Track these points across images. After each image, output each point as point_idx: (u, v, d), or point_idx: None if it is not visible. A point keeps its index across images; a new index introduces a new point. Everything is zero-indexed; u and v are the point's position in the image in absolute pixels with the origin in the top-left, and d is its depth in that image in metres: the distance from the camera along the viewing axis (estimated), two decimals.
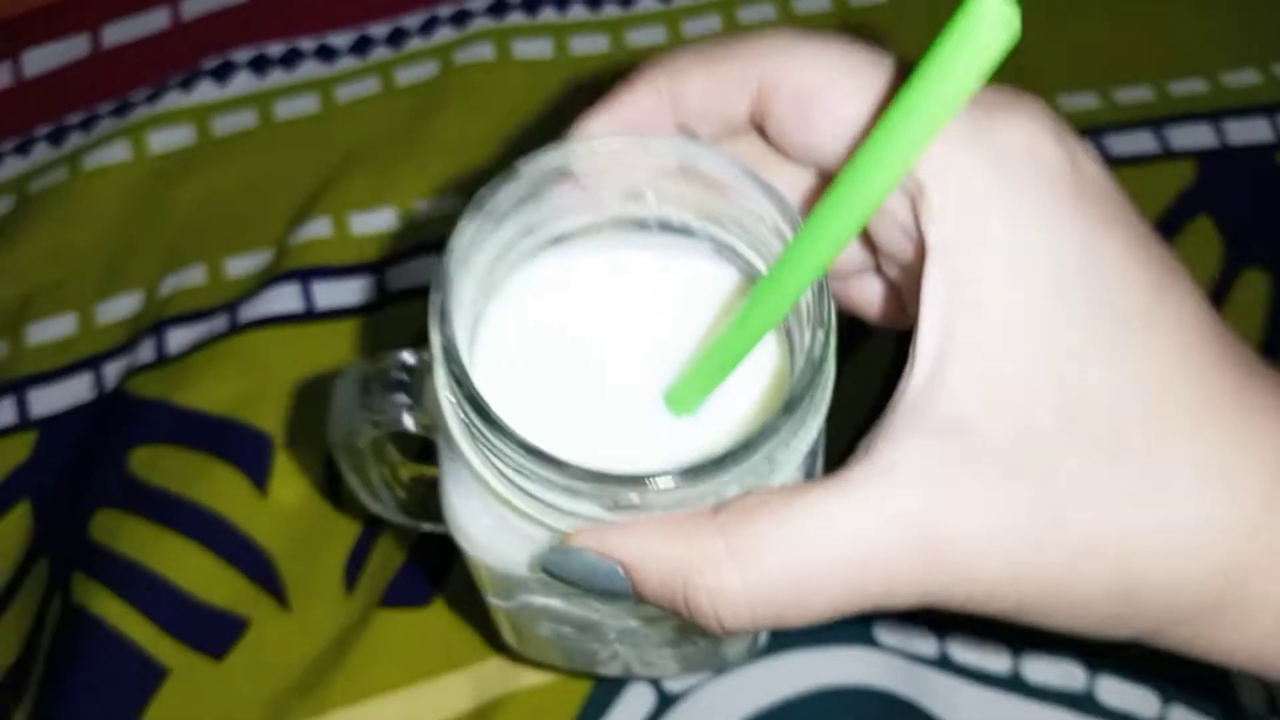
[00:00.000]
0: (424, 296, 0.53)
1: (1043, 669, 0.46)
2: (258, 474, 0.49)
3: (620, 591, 0.25)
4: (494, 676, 0.46)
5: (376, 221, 0.56)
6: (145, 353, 0.52)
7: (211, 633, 0.46)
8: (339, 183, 0.56)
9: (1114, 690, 0.46)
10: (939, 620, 0.47)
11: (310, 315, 0.53)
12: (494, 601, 0.34)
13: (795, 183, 0.28)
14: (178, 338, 0.53)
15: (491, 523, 0.27)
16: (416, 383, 0.28)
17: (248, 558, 0.48)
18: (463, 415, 0.24)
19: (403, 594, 0.47)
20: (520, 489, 0.24)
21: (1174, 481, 0.24)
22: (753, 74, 0.26)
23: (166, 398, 0.51)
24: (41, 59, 0.61)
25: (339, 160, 0.57)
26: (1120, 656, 0.46)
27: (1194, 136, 0.59)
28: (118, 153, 0.58)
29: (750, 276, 0.29)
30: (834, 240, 0.23)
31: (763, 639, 0.45)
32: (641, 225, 0.29)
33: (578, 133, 0.27)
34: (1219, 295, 0.54)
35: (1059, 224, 0.24)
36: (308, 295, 0.53)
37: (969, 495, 0.23)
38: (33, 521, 0.49)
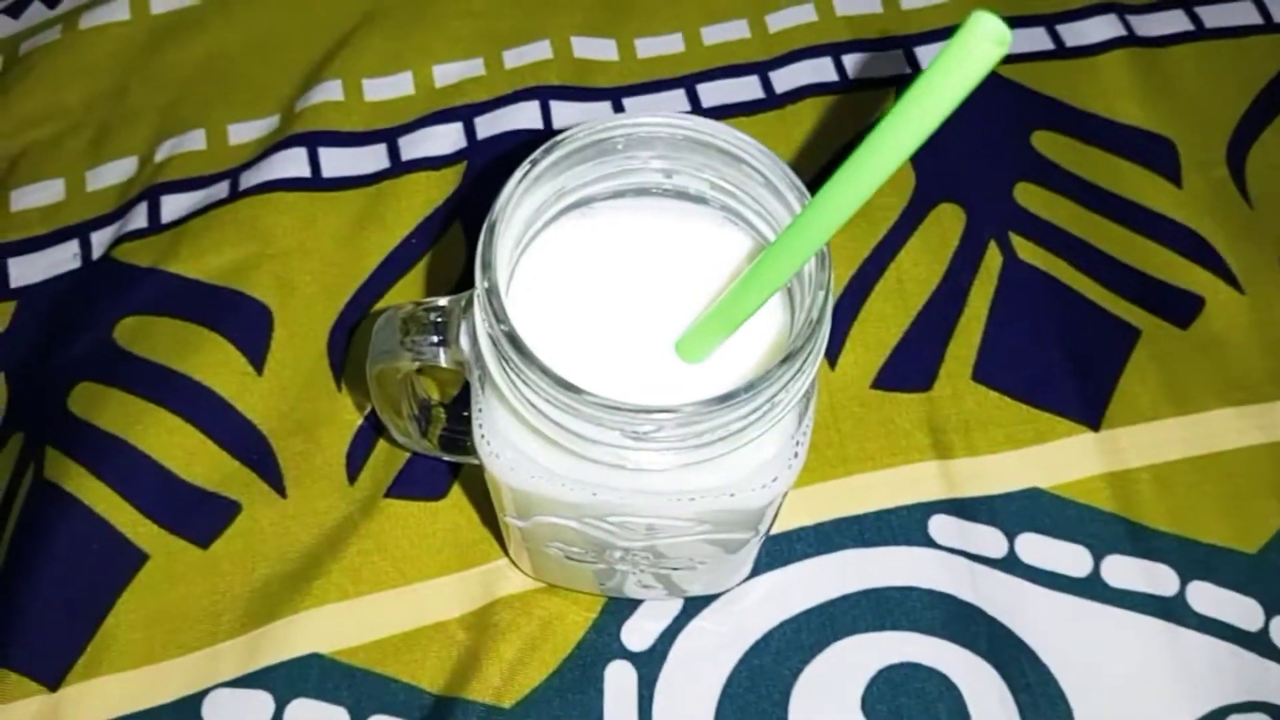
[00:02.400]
0: (439, 166, 0.48)
1: (1126, 571, 0.41)
2: (254, 349, 0.45)
3: None
4: (507, 577, 0.41)
5: (392, 87, 0.51)
6: (137, 220, 0.48)
7: (198, 517, 0.42)
8: (353, 45, 0.52)
9: (1210, 597, 0.40)
10: (1005, 517, 0.42)
11: (317, 183, 0.48)
12: (511, 521, 0.35)
13: None
14: (173, 205, 0.49)
15: (519, 451, 0.30)
16: (450, 324, 0.32)
17: (241, 438, 0.44)
18: (501, 351, 0.27)
19: (412, 484, 0.43)
20: (548, 418, 0.27)
21: None
22: None
23: (158, 265, 0.47)
24: None
25: (354, 22, 0.53)
26: (1220, 563, 0.41)
27: None
28: (116, 11, 0.54)
29: (757, 242, 0.32)
30: (839, 214, 0.24)
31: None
32: (661, 192, 0.32)
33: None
34: None
35: None
36: (315, 161, 0.49)
37: None
38: (7, 392, 0.45)
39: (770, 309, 0.31)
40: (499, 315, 0.26)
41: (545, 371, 0.26)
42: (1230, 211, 0.48)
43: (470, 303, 0.30)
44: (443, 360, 0.32)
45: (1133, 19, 0.53)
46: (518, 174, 0.29)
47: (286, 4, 0.54)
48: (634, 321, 0.31)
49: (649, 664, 0.40)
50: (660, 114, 0.29)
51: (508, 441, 0.30)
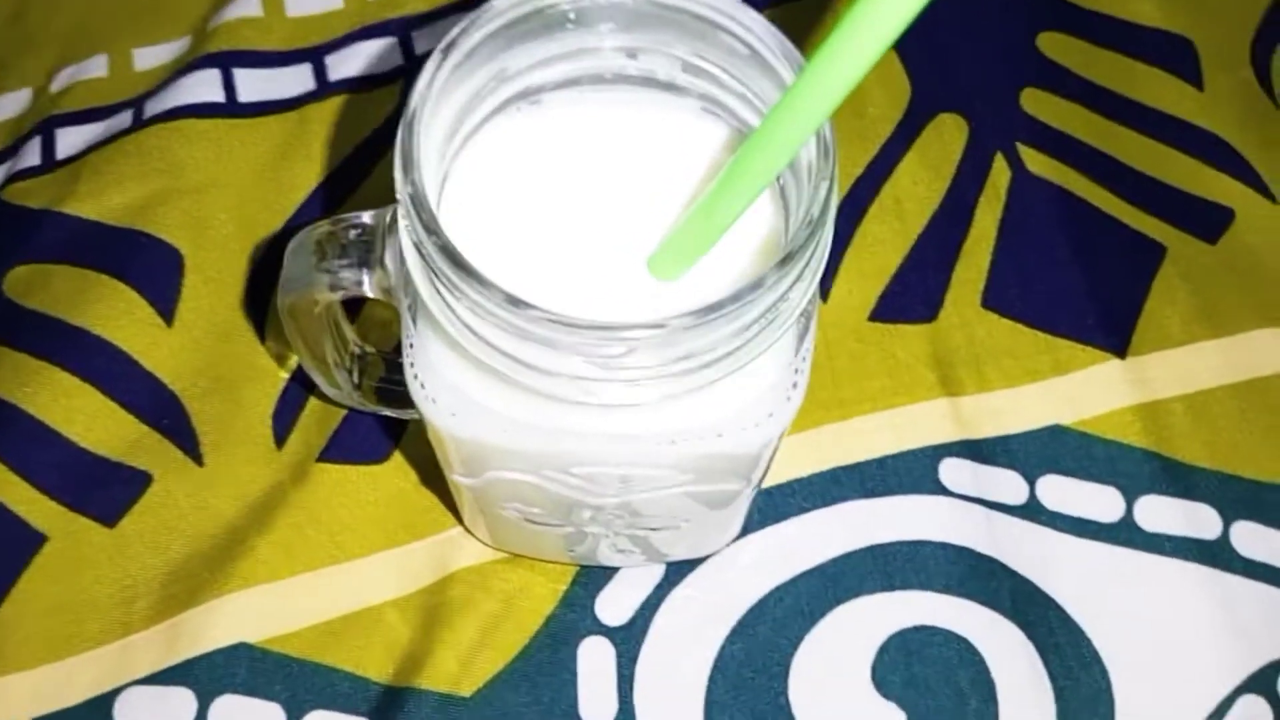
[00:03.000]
0: (372, 87, 0.43)
1: (1163, 514, 0.37)
2: (163, 298, 0.40)
3: None
4: (461, 548, 0.37)
5: (317, 0, 0.45)
6: (29, 157, 0.43)
7: (102, 492, 0.37)
8: None
9: (1258, 539, 0.36)
10: (1025, 458, 0.37)
11: (232, 108, 0.43)
12: (460, 480, 0.31)
13: None
14: (70, 138, 0.43)
15: (460, 392, 0.26)
16: (375, 243, 0.27)
17: (149, 399, 0.38)
18: (433, 266, 0.22)
19: (350, 447, 0.38)
20: (493, 346, 0.23)
21: None
22: None
23: (53, 207, 0.41)
24: None
25: None
26: (1267, 500, 0.37)
27: None
28: None
29: (740, 134, 0.27)
30: (842, 79, 0.19)
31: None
32: (623, 78, 0.27)
33: None
34: None
35: None
36: (229, 85, 0.43)
37: None
38: None
39: (759, 214, 0.26)
40: (427, 224, 0.22)
41: (487, 285, 0.21)
42: (1257, 114, 0.44)
43: (397, 216, 0.25)
44: (367, 288, 0.27)
45: None
46: (439, 52, 0.24)
47: None
48: (596, 235, 0.26)
49: (628, 640, 0.35)
50: None
51: (446, 382, 0.26)
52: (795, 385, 0.26)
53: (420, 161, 0.23)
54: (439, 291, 0.23)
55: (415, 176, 0.22)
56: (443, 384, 0.26)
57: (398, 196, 0.23)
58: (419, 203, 0.22)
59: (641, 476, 0.27)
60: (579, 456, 0.26)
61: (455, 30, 0.24)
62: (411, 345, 0.26)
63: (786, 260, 0.22)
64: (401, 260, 0.25)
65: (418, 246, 0.23)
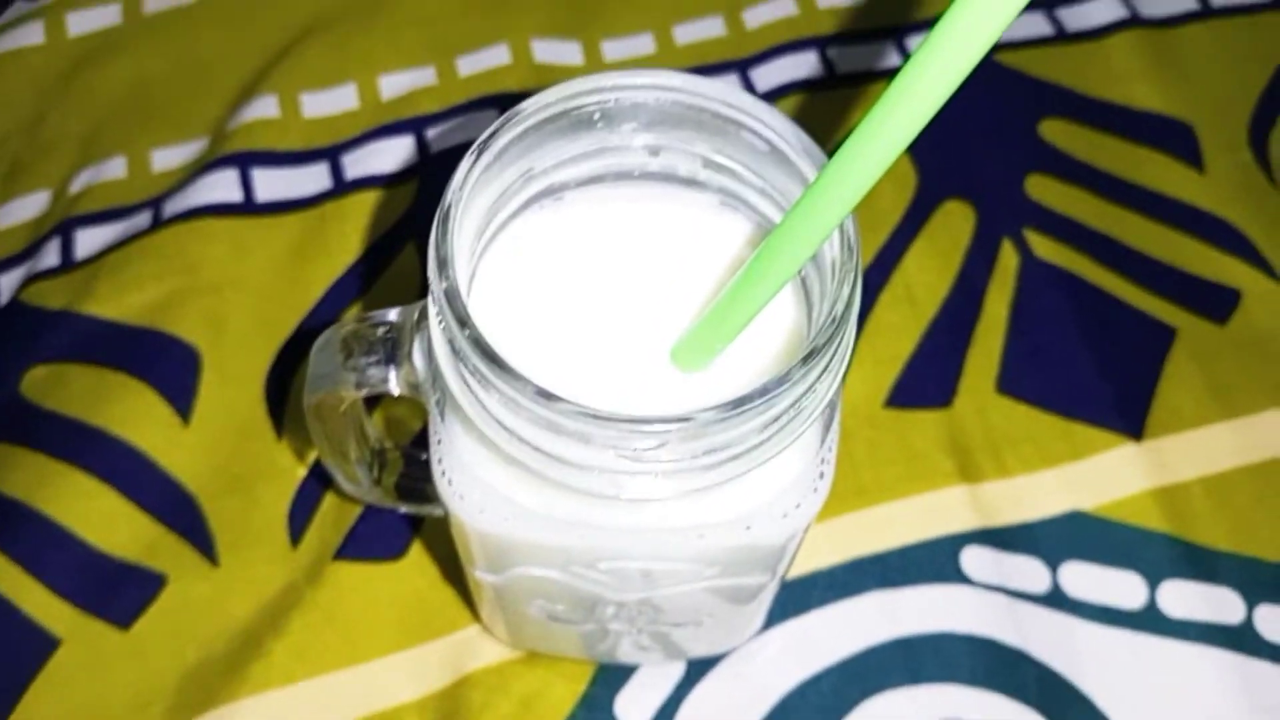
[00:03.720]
0: (388, 185, 0.44)
1: (1186, 599, 0.36)
2: (180, 396, 0.40)
3: None
4: (478, 648, 0.36)
5: (333, 101, 0.46)
6: (48, 258, 0.43)
7: (117, 595, 0.37)
8: (290, 59, 0.47)
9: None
10: (1046, 545, 0.37)
11: (249, 207, 0.43)
12: (483, 577, 0.30)
13: None
14: (89, 239, 0.43)
15: (488, 487, 0.26)
16: (402, 340, 0.27)
17: (166, 500, 0.38)
18: (465, 362, 0.22)
19: (366, 544, 0.37)
20: (523, 441, 0.23)
21: None
22: None
23: (71, 307, 0.41)
24: None
25: (293, 36, 0.48)
26: None
27: None
28: (30, 35, 0.49)
29: (761, 228, 0.27)
30: (867, 174, 0.20)
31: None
32: (646, 175, 0.27)
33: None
34: None
35: None
36: (247, 184, 0.44)
37: None
38: None
39: (781, 306, 0.26)
40: (461, 318, 0.22)
41: (519, 379, 0.21)
42: (1258, 195, 0.44)
43: (424, 314, 0.26)
44: (393, 385, 0.27)
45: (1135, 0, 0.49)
46: (472, 153, 0.24)
47: (216, 21, 0.49)
48: (620, 328, 0.26)
49: None
50: (642, 72, 0.25)
51: (475, 478, 0.25)
52: (821, 476, 0.26)
53: (454, 259, 0.23)
54: (469, 386, 0.23)
55: (450, 273, 0.22)
56: (471, 480, 0.25)
57: (431, 292, 0.23)
58: (453, 297, 0.22)
59: (668, 571, 0.27)
60: (606, 551, 0.26)
61: (487, 131, 0.24)
62: (439, 442, 0.26)
63: (811, 356, 0.22)
64: (430, 356, 0.25)
65: (450, 341, 0.23)
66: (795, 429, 0.23)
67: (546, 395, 0.21)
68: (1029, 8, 0.48)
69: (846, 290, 0.22)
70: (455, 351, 0.23)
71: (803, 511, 0.25)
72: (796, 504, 0.25)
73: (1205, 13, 0.49)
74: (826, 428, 0.26)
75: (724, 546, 0.26)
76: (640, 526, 0.25)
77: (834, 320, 0.22)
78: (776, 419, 0.22)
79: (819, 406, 0.23)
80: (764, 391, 0.21)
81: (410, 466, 0.35)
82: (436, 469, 0.26)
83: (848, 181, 0.20)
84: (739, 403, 0.21)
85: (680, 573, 0.27)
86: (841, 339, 0.23)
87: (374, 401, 0.39)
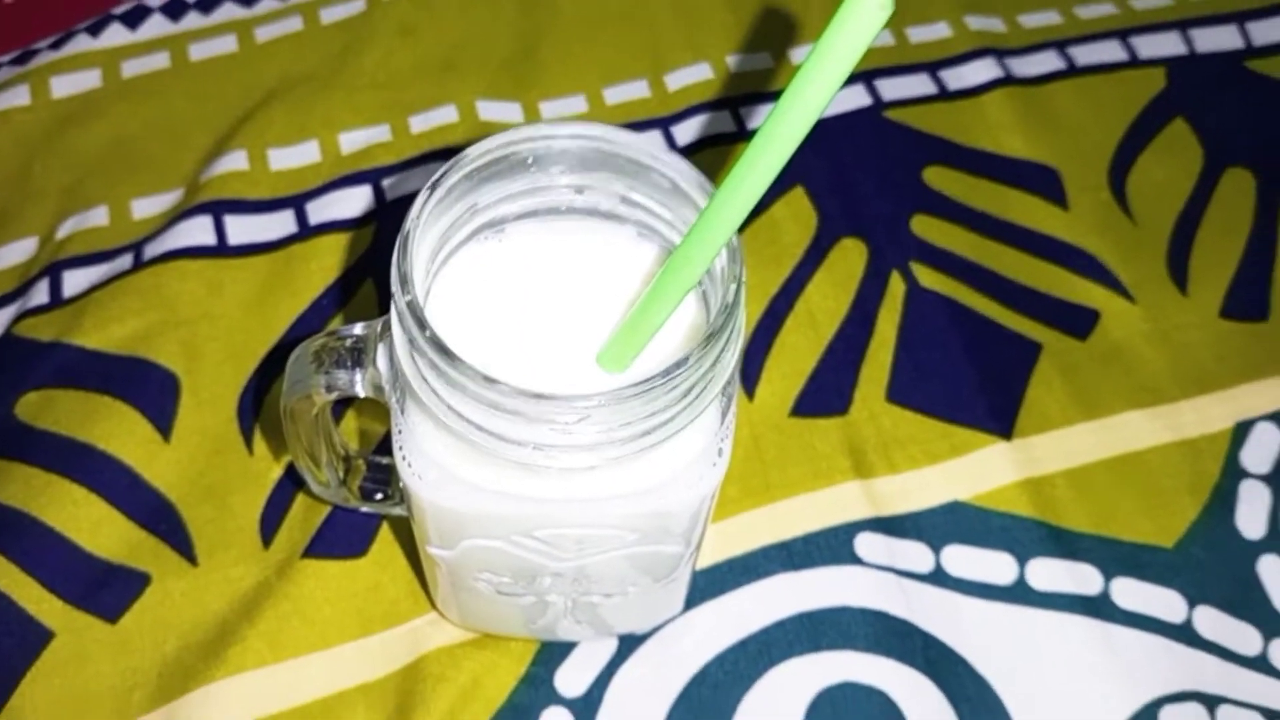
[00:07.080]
0: (349, 229, 0.48)
1: (1052, 574, 0.41)
2: (161, 416, 0.44)
3: None
4: (432, 633, 0.40)
5: (298, 155, 0.51)
6: (38, 296, 0.47)
7: (105, 592, 0.40)
8: (258, 118, 0.52)
9: (1134, 593, 0.41)
10: (930, 531, 0.42)
11: (223, 250, 0.48)
12: (436, 552, 0.34)
13: None
14: (75, 279, 0.48)
15: (442, 467, 0.30)
16: (367, 349, 0.32)
17: (148, 507, 0.42)
18: (424, 357, 0.27)
19: (331, 543, 0.42)
20: (471, 422, 0.27)
21: None
22: None
23: (60, 339, 0.45)
24: None
25: (259, 98, 0.53)
26: (1141, 559, 0.42)
27: (1162, 45, 0.56)
28: (17, 97, 0.53)
29: (670, 252, 0.31)
30: (744, 201, 0.25)
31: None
32: (573, 210, 0.32)
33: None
34: (1204, 195, 0.51)
35: None
36: (220, 229, 0.48)
37: None
38: None
39: (686, 315, 0.31)
40: (421, 322, 0.26)
41: (467, 368, 0.26)
42: (1116, 229, 0.50)
43: (387, 325, 0.30)
44: (359, 387, 0.32)
45: (1010, 61, 0.56)
46: (426, 190, 0.29)
47: (188, 88, 0.54)
48: (554, 338, 0.31)
49: (586, 709, 0.39)
50: (567, 124, 0.30)
51: (431, 460, 0.30)
52: (720, 453, 0.31)
53: (413, 275, 0.27)
54: (425, 380, 0.27)
55: (411, 287, 0.27)
56: (428, 462, 0.30)
57: (394, 303, 0.27)
58: (415, 307, 0.27)
59: (594, 537, 0.31)
60: (543, 519, 0.30)
61: (438, 173, 0.29)
62: (400, 432, 0.30)
63: (709, 340, 0.27)
64: (392, 359, 0.29)
65: (411, 342, 0.27)
66: (698, 407, 0.28)
67: (490, 380, 0.26)
68: (914, 70, 0.55)
69: (734, 288, 0.27)
70: (415, 351, 0.27)
71: (706, 482, 0.30)
72: (700, 475, 0.30)
73: (1071, 71, 0.56)
74: (724, 411, 0.31)
75: (641, 513, 0.30)
76: (570, 496, 0.29)
77: (725, 308, 0.27)
78: (684, 395, 0.27)
79: (719, 387, 0.28)
80: (674, 367, 0.26)
81: (372, 471, 0.39)
82: (398, 455, 0.30)
83: (729, 208, 0.25)
84: (651, 379, 0.26)
85: (606, 539, 0.32)
86: (732, 327, 0.27)
87: (342, 412, 0.44)
